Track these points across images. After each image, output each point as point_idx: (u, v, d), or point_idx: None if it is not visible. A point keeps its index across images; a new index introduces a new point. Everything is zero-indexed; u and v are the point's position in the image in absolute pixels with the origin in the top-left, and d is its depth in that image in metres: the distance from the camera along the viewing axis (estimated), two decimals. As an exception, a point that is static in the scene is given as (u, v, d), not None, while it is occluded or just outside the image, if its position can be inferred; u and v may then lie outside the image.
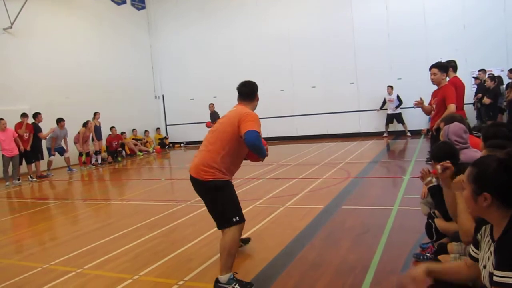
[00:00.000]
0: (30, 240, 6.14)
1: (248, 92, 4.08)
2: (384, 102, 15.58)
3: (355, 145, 13.76)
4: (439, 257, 3.06)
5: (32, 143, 12.32)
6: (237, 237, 3.71)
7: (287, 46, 17.21)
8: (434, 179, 3.79)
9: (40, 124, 12.75)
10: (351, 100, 16.43)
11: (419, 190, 4.50)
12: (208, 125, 14.31)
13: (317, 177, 8.59)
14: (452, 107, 6.11)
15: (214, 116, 14.34)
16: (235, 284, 3.58)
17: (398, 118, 15.44)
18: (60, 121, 13.13)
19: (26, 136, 12.12)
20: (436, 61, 7.04)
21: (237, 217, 3.71)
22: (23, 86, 13.75)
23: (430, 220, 3.76)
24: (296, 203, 6.65)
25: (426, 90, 7.93)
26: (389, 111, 15.45)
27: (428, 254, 3.75)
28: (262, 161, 4.07)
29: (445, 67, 6.59)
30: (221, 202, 3.74)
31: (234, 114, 3.84)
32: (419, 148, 11.53)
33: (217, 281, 3.65)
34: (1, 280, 4.42)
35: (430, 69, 6.60)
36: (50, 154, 13.22)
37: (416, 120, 14.82)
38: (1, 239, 6.28)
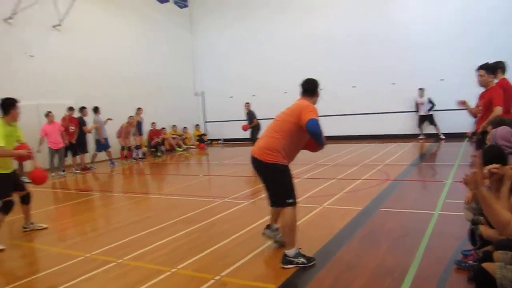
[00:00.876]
0: (73, 230, 6.37)
1: (310, 88, 4.53)
2: (417, 105, 15.53)
3: (395, 147, 13.49)
4: (484, 265, 2.96)
5: (78, 136, 12.77)
6: (295, 215, 4.17)
7: (327, 44, 17.05)
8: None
9: (85, 118, 13.20)
10: (391, 101, 16.10)
11: (462, 195, 4.37)
12: (245, 128, 14.23)
13: (356, 178, 8.48)
14: (498, 110, 5.88)
15: (250, 115, 14.28)
16: (300, 258, 4.11)
17: (430, 120, 15.27)
18: (97, 109, 13.51)
19: (72, 129, 12.57)
20: (484, 62, 6.80)
21: (292, 199, 4.17)
22: (69, 81, 14.23)
23: (473, 227, 3.64)
24: (333, 203, 6.59)
25: (470, 91, 7.65)
26: (421, 113, 15.42)
27: (471, 262, 3.64)
28: (322, 148, 4.55)
29: (493, 68, 6.34)
30: (280, 183, 4.23)
31: (296, 107, 4.32)
32: (462, 152, 11.18)
33: (285, 255, 4.14)
34: (47, 266, 4.62)
35: (477, 70, 6.39)
36: (98, 147, 13.64)
37: (451, 122, 14.69)
38: (47, 227, 6.54)
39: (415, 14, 15.43)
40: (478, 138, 6.14)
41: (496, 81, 6.51)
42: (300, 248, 4.19)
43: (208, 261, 4.41)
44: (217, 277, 3.94)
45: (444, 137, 14.93)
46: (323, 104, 17.38)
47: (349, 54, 16.58)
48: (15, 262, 4.95)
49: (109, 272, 4.31)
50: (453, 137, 14.62)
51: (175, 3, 19.89)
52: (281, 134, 4.22)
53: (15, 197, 5.95)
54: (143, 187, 10.17)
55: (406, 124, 15.97)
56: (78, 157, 12.94)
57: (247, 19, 19.03)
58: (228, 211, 6.56)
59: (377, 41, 16.00)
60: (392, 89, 15.99)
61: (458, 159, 9.96)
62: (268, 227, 4.75)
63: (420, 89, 15.31)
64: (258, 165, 4.30)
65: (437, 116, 15.15)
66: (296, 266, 4.09)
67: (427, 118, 15.34)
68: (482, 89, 6.51)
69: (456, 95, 14.11)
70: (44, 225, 6.41)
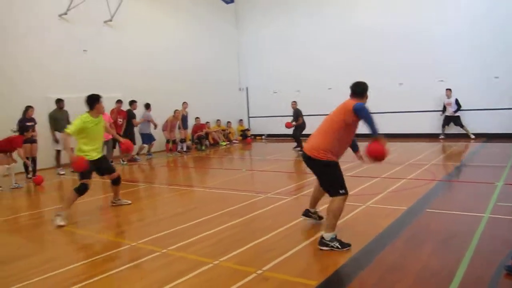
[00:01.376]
0: (120, 219, 6.58)
1: (359, 91, 4.83)
2: (444, 106, 15.33)
3: (441, 146, 13.09)
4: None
5: (126, 128, 13.17)
6: (342, 205, 4.60)
7: (372, 40, 16.68)
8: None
9: (134, 112, 13.62)
10: (438, 99, 15.59)
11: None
12: (288, 125, 14.23)
13: (401, 177, 8.30)
14: None
15: (297, 113, 14.24)
16: (336, 242, 4.46)
17: (456, 121, 15.15)
18: (148, 106, 14.00)
19: (120, 122, 12.97)
20: None
21: (344, 190, 4.62)
22: (118, 75, 14.66)
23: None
24: (377, 202, 6.48)
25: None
26: (447, 113, 15.26)
27: (522, 267, 3.50)
28: (381, 150, 4.61)
29: None
30: (331, 176, 4.69)
31: (343, 105, 4.71)
32: None
33: (321, 237, 4.56)
34: (94, 253, 4.82)
35: None
36: (144, 140, 14.08)
37: (476, 122, 14.81)
38: (95, 216, 6.80)
39: (468, 10, 14.86)
40: None
41: None
42: (336, 234, 4.55)
43: (251, 255, 4.46)
44: (259, 271, 3.97)
45: (474, 137, 14.61)
46: (369, 101, 17.08)
47: (396, 50, 16.16)
48: (64, 247, 5.18)
49: (154, 261, 4.43)
50: (502, 137, 14.17)
51: (222, -2, 20.09)
52: (330, 133, 4.66)
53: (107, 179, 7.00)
54: (187, 180, 10.37)
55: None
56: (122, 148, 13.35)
57: (291, 14, 18.94)
58: (270, 206, 6.59)
59: (426, 37, 15.52)
60: (439, 86, 15.46)
61: (511, 161, 9.55)
62: (307, 212, 5.49)
63: (448, 89, 15.09)
64: (310, 162, 4.77)
65: (486, 114, 14.62)
66: (331, 249, 4.44)
67: (452, 119, 15.18)
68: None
69: (510, 93, 13.70)
70: (129, 201, 7.35)
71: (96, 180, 10.53)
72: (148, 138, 14.20)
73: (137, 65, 15.44)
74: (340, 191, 4.60)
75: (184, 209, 6.94)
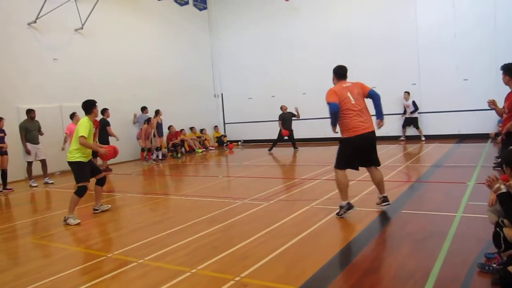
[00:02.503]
0: (95, 230, 6.47)
1: (343, 72, 6.24)
2: (404, 107, 15.91)
3: (416, 148, 13.33)
4: (510, 268, 2.91)
5: (100, 137, 12.97)
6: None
7: (347, 45, 16.92)
8: (502, 186, 3.59)
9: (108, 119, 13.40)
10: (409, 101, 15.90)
11: (485, 197, 4.29)
12: (285, 134, 14.89)
13: (376, 180, 8.39)
14: None
15: (285, 116, 15.01)
16: (345, 207, 5.75)
17: (414, 122, 15.67)
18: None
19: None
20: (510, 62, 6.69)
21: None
22: (91, 83, 14.45)
23: (498, 229, 3.57)
24: (354, 205, 6.52)
25: (494, 91, 7.53)
26: (407, 115, 15.85)
27: (495, 265, 3.57)
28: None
29: (508, 68, 6.17)
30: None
31: (359, 86, 6.21)
32: (486, 153, 10.98)
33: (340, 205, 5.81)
34: (69, 266, 4.70)
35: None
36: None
37: (434, 125, 15.51)
38: (69, 228, 6.64)
39: (440, 14, 15.19)
40: (503, 139, 6.05)
41: None
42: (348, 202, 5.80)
43: (229, 262, 4.43)
44: (237, 278, 3.95)
45: (424, 139, 15.37)
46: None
47: (369, 54, 16.42)
48: (38, 261, 5.05)
49: (130, 272, 4.36)
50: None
51: (195, 5, 20.03)
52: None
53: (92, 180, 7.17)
54: (163, 188, 10.26)
55: (428, 125, 15.73)
56: (98, 158, 13.13)
57: (266, 20, 19.03)
58: (248, 212, 6.57)
59: (399, 41, 15.82)
60: (413, 90, 15.76)
61: (481, 161, 9.79)
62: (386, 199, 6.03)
63: (406, 92, 15.73)
64: (374, 137, 5.92)
65: (458, 116, 14.98)
66: (341, 215, 5.71)
67: (411, 121, 15.73)
68: (506, 89, 6.41)
69: (480, 95, 14.09)
70: (109, 206, 7.61)
71: (69, 191, 10.34)
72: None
73: (110, 73, 15.26)
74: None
75: (161, 218, 6.87)
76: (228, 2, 20.30)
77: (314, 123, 17.75)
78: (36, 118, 11.41)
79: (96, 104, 7.20)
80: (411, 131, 15.96)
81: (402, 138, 16.00)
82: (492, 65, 13.61)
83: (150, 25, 17.52)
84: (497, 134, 9.30)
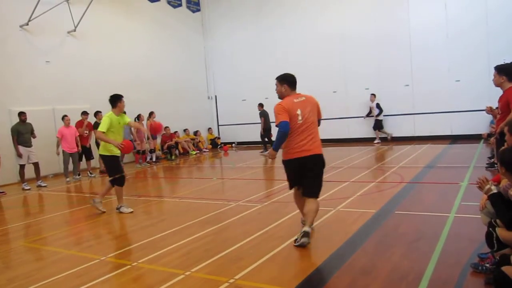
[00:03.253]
0: (88, 233, 6.43)
1: (296, 81, 5.21)
2: (370, 109, 16.32)
3: (409, 149, 13.38)
4: (503, 268, 2.92)
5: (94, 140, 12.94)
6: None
7: (340, 46, 16.98)
8: (493, 187, 3.61)
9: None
10: (405, 103, 15.97)
11: (478, 197, 4.31)
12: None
13: (369, 181, 8.43)
14: None
15: (266, 113, 15.48)
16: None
17: (379, 124, 16.13)
18: (98, 113, 13.49)
19: (86, 134, 12.70)
20: (501, 63, 6.74)
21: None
22: (84, 86, 14.42)
23: (491, 229, 3.58)
24: (347, 206, 6.56)
25: (486, 92, 7.58)
26: (375, 117, 16.19)
27: (488, 265, 3.59)
28: None
29: (505, 69, 6.21)
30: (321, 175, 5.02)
31: (313, 103, 5.05)
32: (478, 154, 11.04)
33: (303, 231, 4.73)
34: (62, 269, 4.66)
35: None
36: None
37: (427, 126, 15.62)
38: (62, 231, 6.62)
39: (433, 15, 15.28)
40: (497, 139, 6.09)
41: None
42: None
43: (222, 264, 4.42)
44: (231, 280, 3.94)
45: (379, 142, 15.95)
46: (337, 106, 17.58)
47: (362, 55, 16.48)
48: (30, 265, 5.01)
49: (123, 275, 4.34)
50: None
51: (188, 7, 20.02)
52: (317, 131, 5.00)
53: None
54: (157, 190, 10.23)
55: (421, 126, 15.81)
56: (92, 161, 13.11)
57: (259, 22, 19.04)
58: (241, 214, 6.57)
59: (392, 42, 15.87)
60: (405, 91, 15.85)
61: (474, 161, 9.85)
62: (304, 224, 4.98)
63: (372, 94, 16.14)
64: (319, 160, 4.97)
65: (451, 117, 15.08)
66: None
67: (377, 123, 16.15)
68: (497, 90, 6.45)
69: (472, 96, 14.18)
70: (131, 209, 7.45)
71: (62, 194, 10.29)
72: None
73: (102, 75, 15.18)
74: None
75: (154, 221, 6.85)
76: (221, 4, 20.30)
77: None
78: (29, 121, 11.33)
79: (122, 98, 7.48)
80: (403, 132, 16.04)
81: (377, 141, 16.13)
82: (485, 66, 13.72)
83: (143, 27, 17.47)
84: (489, 135, 9.37)
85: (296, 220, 5.90)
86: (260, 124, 15.73)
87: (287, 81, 5.16)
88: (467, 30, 14.57)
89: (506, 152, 3.48)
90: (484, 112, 7.17)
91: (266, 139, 15.73)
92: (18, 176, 11.43)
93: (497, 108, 6.60)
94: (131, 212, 7.30)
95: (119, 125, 7.34)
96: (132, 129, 13.76)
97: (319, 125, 5.11)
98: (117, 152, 7.30)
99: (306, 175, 4.97)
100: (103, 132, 7.05)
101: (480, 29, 14.38)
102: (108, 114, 7.30)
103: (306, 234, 4.72)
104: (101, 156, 7.46)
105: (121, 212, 7.32)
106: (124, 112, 7.71)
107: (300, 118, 4.88)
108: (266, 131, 15.64)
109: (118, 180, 7.32)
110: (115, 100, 7.39)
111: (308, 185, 5.01)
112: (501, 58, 12.18)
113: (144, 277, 4.25)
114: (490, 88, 6.42)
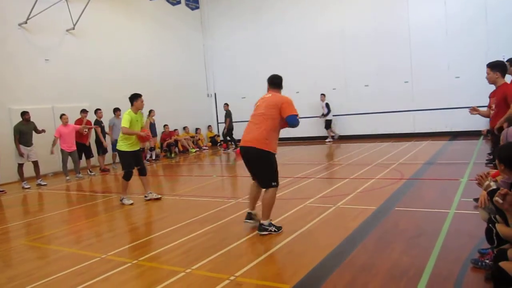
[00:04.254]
0: (88, 231, 6.44)
1: (280, 82, 5.54)
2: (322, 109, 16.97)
3: (409, 146, 13.38)
4: (501, 263, 2.93)
5: (95, 138, 12.96)
6: (275, 195, 5.24)
7: (340, 44, 16.97)
8: (492, 183, 3.61)
9: (100, 120, 13.33)
10: (405, 99, 15.97)
11: (478, 193, 4.31)
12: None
13: (370, 178, 8.43)
14: None
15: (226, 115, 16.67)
16: (273, 227, 5.26)
17: (328, 123, 16.79)
18: (116, 110, 13.54)
19: (85, 132, 12.68)
20: (498, 59, 6.73)
21: (275, 182, 5.24)
22: (83, 84, 14.40)
23: (490, 225, 3.59)
24: (347, 203, 6.56)
25: (485, 89, 7.55)
26: (326, 117, 16.94)
27: (487, 261, 3.60)
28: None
29: (499, 65, 6.22)
30: (269, 168, 5.22)
31: (276, 100, 5.28)
32: (478, 150, 11.05)
33: (261, 224, 5.26)
34: (63, 267, 4.67)
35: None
36: (114, 149, 13.75)
37: (427, 122, 15.67)
38: (62, 229, 6.62)
39: (433, 12, 15.27)
40: (494, 135, 6.08)
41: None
42: (271, 220, 5.36)
43: (223, 261, 4.43)
44: (232, 277, 3.95)
45: (331, 140, 16.63)
46: (337, 103, 17.55)
47: (362, 52, 16.48)
48: (31, 263, 5.02)
49: (124, 273, 4.35)
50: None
51: (187, 5, 19.99)
52: (266, 125, 5.19)
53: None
54: (157, 188, 10.21)
55: (421, 123, 15.82)
56: (92, 159, 13.11)
57: (259, 19, 19.02)
58: (241, 211, 6.56)
59: (392, 39, 15.86)
60: (405, 87, 15.85)
61: (473, 158, 9.85)
62: (250, 216, 5.62)
63: (322, 94, 16.74)
64: (250, 153, 5.25)
65: (450, 113, 15.08)
66: (269, 233, 5.19)
67: (326, 122, 16.85)
68: (493, 86, 6.45)
69: (471, 93, 14.17)
70: (159, 195, 8.22)
71: (62, 192, 10.30)
72: (113, 147, 13.88)
73: (102, 73, 15.16)
74: (273, 183, 5.21)
75: (155, 218, 6.86)
76: (220, 2, 20.26)
77: (306, 122, 17.79)
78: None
79: (140, 97, 7.86)
80: (403, 128, 16.01)
81: (328, 140, 16.69)
82: (484, 63, 13.27)
83: (142, 24, 17.44)
84: (488, 131, 9.37)
85: (297, 217, 5.92)
86: (224, 123, 17.07)
87: (267, 81, 5.62)
88: (466, 27, 14.57)
89: (504, 149, 3.48)
90: (484, 108, 7.16)
91: (229, 138, 16.84)
92: (18, 175, 11.41)
93: (489, 105, 6.60)
94: (131, 204, 7.87)
95: (136, 123, 7.78)
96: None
97: (290, 125, 5.27)
98: (136, 147, 7.92)
99: (248, 165, 5.47)
100: (126, 127, 7.55)
101: (479, 26, 14.38)
102: (127, 112, 7.73)
103: (248, 216, 5.63)
104: (119, 152, 7.90)
105: (123, 204, 7.90)
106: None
107: (254, 110, 5.51)
108: (229, 130, 16.70)
109: (127, 174, 7.86)
110: (133, 98, 7.83)
111: (254, 175, 5.53)
112: (501, 55, 12.18)
113: (145, 275, 4.25)
114: (490, 84, 6.40)
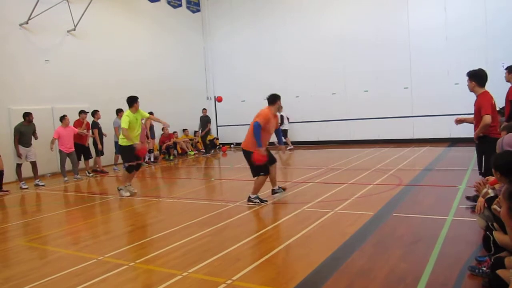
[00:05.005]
0: (86, 233, 6.42)
1: (270, 99, 7.70)
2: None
3: (408, 151, 13.40)
4: (498, 271, 2.93)
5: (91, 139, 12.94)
6: (263, 181, 7.23)
7: (340, 48, 17.01)
8: (490, 190, 3.62)
9: (98, 121, 13.29)
10: (404, 105, 16.00)
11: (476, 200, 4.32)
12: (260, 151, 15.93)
13: (368, 183, 8.44)
14: (486, 119, 5.81)
15: (203, 119, 17.28)
16: (257, 199, 7.16)
17: (285, 133, 16.96)
18: (120, 111, 13.58)
19: (84, 133, 12.67)
20: (508, 65, 6.94)
21: (263, 172, 7.16)
22: (83, 85, 14.40)
23: (488, 233, 3.60)
24: (345, 208, 6.56)
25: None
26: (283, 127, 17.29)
27: (485, 268, 3.60)
28: (258, 151, 7.04)
29: (474, 75, 6.29)
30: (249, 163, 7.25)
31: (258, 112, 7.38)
32: (476, 157, 11.03)
33: (249, 196, 7.25)
34: (60, 268, 4.66)
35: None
36: (117, 150, 13.76)
37: (426, 128, 15.71)
38: (59, 230, 6.61)
39: (433, 17, 15.31)
40: (476, 144, 6.21)
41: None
42: (258, 195, 7.20)
43: (220, 265, 4.42)
44: (229, 281, 3.94)
45: (289, 147, 16.80)
46: (335, 108, 17.54)
47: (362, 57, 16.51)
48: (28, 264, 5.00)
49: (121, 275, 4.34)
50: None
51: (188, 7, 20.03)
52: (249, 133, 7.25)
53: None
54: (155, 190, 10.21)
55: (420, 129, 15.84)
56: (91, 160, 13.09)
57: (259, 23, 19.08)
58: (239, 215, 6.57)
59: (391, 45, 15.90)
60: (405, 93, 15.88)
61: (472, 164, 9.86)
62: (273, 191, 7.60)
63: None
64: (244, 152, 7.36)
65: (450, 119, 15.05)
66: (254, 204, 7.08)
67: (283, 131, 16.96)
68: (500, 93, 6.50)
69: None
70: (135, 190, 9.07)
71: (60, 193, 10.28)
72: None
73: (102, 75, 15.17)
74: (260, 173, 7.14)
75: (152, 221, 6.85)
76: (221, 5, 20.32)
77: (306, 126, 17.83)
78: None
79: (137, 100, 8.79)
80: (402, 134, 16.00)
81: (289, 147, 16.83)
82: (483, 69, 13.72)
83: (143, 27, 17.47)
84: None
85: (295, 221, 5.92)
86: (201, 127, 17.71)
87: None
88: (466, 33, 14.60)
89: (499, 157, 3.50)
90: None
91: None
92: (16, 175, 11.39)
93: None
94: (129, 195, 8.70)
95: (136, 121, 8.69)
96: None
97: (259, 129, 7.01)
98: (132, 142, 8.63)
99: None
100: (126, 129, 8.48)
101: (479, 32, 14.42)
102: (126, 113, 8.63)
103: (272, 191, 7.67)
104: (120, 146, 8.86)
105: (121, 196, 8.71)
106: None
107: None
108: (206, 134, 17.53)
109: (134, 166, 8.83)
110: (131, 101, 8.74)
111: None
112: (500, 62, 12.24)
113: (142, 277, 4.24)
114: (489, 91, 6.41)
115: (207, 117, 17.75)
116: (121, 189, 8.78)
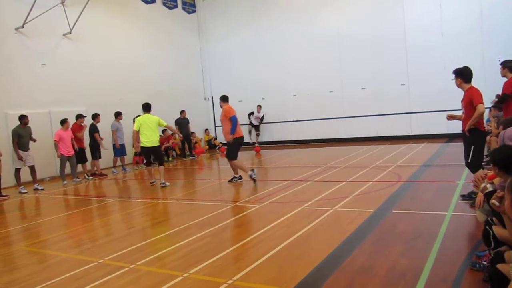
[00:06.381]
0: (86, 236, 6.42)
1: (223, 99, 10.14)
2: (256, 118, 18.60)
3: (406, 148, 13.41)
4: (498, 266, 2.93)
5: (90, 142, 12.91)
6: (240, 164, 9.54)
7: (336, 46, 17.03)
8: (489, 185, 3.63)
9: (97, 125, 13.26)
10: (402, 102, 16.02)
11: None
12: (181, 138, 15.98)
13: (367, 180, 8.44)
14: (480, 108, 5.93)
15: (181, 121, 16.61)
16: (238, 177, 9.65)
17: (258, 129, 18.65)
18: (118, 114, 13.62)
19: (81, 136, 12.66)
20: (503, 60, 7.01)
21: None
22: (80, 88, 14.36)
23: (487, 227, 3.60)
24: (345, 206, 6.57)
25: (481, 91, 7.59)
26: (254, 123, 18.77)
27: (485, 263, 3.61)
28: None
29: (459, 72, 6.43)
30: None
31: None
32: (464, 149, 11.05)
33: (233, 176, 9.60)
34: (60, 272, 4.65)
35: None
36: (116, 153, 13.77)
37: (423, 124, 15.72)
38: (59, 234, 6.60)
39: (428, 14, 15.33)
40: (465, 136, 6.27)
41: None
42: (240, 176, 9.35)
43: (221, 265, 4.42)
44: (230, 281, 3.94)
45: (257, 144, 17.89)
46: (333, 106, 17.57)
47: (359, 55, 16.53)
48: (29, 268, 5.00)
49: (121, 278, 4.33)
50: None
51: (183, 8, 20.01)
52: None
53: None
54: (154, 192, 10.20)
55: (418, 125, 15.86)
56: (88, 163, 13.06)
57: (255, 23, 19.08)
58: (239, 215, 6.57)
59: (388, 42, 15.93)
60: (402, 90, 15.90)
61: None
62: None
63: (259, 105, 18.43)
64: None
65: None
66: (236, 180, 9.57)
67: (256, 128, 18.77)
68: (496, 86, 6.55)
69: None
70: (168, 183, 10.33)
71: (59, 197, 10.27)
72: (118, 151, 13.87)
73: (98, 77, 15.13)
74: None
75: (152, 222, 6.84)
76: (216, 5, 20.31)
77: (304, 124, 17.84)
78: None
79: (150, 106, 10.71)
80: (399, 131, 16.02)
81: (255, 142, 18.16)
82: (480, 65, 13.74)
83: (138, 28, 17.44)
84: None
85: (294, 220, 5.92)
86: (179, 129, 16.82)
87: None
88: (462, 29, 14.63)
89: (496, 152, 3.51)
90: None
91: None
92: (14, 179, 11.36)
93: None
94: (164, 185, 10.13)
95: (143, 126, 10.17)
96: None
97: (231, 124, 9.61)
98: (155, 144, 10.30)
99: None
100: (136, 131, 10.22)
101: (475, 28, 14.44)
102: (139, 118, 10.42)
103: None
104: (141, 147, 10.49)
105: (164, 185, 10.15)
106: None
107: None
108: (188, 137, 16.95)
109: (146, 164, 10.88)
110: (147, 108, 10.64)
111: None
112: (496, 57, 12.26)
113: (142, 280, 4.24)
114: (486, 86, 6.49)
115: (186, 119, 16.87)
116: (155, 181, 10.66)
